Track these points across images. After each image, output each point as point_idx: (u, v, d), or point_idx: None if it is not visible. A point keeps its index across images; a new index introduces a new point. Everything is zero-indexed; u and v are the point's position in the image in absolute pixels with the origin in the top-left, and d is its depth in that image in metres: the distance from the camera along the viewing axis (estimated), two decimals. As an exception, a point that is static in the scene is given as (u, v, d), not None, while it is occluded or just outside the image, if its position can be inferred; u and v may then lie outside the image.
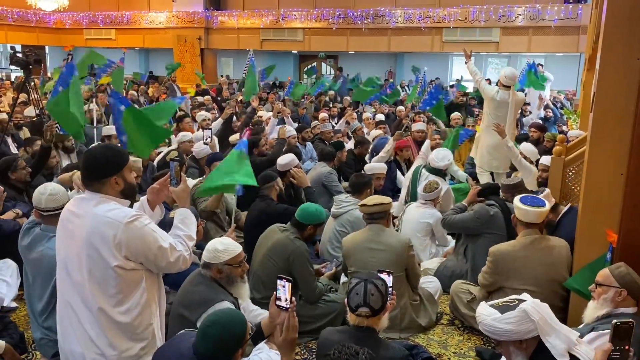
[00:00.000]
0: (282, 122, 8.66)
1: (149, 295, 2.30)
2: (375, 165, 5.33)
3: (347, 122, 8.80)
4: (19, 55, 7.41)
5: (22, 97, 8.91)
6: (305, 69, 18.65)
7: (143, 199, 2.52)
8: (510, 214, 4.00)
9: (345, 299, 2.39)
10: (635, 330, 1.92)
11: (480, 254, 3.98)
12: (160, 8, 18.81)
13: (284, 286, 2.18)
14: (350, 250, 3.60)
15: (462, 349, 3.50)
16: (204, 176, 5.16)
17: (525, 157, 5.46)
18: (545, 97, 11.16)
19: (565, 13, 13.59)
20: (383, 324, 2.38)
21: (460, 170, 6.86)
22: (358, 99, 11.18)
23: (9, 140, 7.13)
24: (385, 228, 3.62)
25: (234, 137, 6.62)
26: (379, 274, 2.48)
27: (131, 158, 4.83)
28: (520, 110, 8.73)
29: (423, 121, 7.86)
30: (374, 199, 3.71)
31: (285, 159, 5.12)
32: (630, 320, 1.92)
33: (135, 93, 12.08)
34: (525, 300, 2.15)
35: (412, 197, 5.40)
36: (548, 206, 3.48)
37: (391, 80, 16.71)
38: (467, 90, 12.72)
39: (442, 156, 5.42)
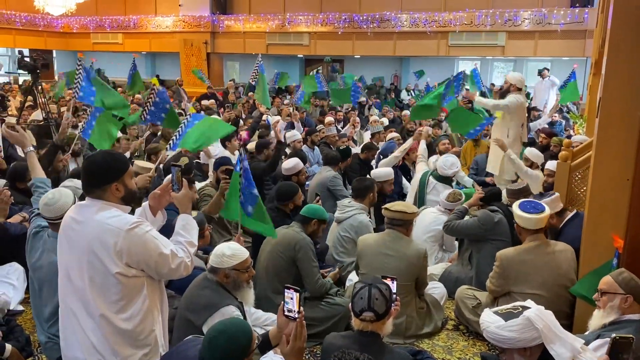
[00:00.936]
0: (290, 126, 8.68)
1: (151, 301, 2.30)
2: (380, 172, 5.22)
3: (353, 126, 8.80)
4: (27, 59, 7.46)
5: (30, 100, 8.98)
6: (310, 73, 18.57)
7: (145, 204, 2.52)
8: (514, 219, 3.99)
9: (350, 304, 2.38)
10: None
11: (484, 260, 3.98)
12: (166, 12, 18.89)
13: (291, 297, 2.18)
14: (365, 251, 3.64)
15: (467, 354, 3.49)
16: (209, 180, 5.17)
17: (527, 159, 5.46)
18: (550, 102, 11.14)
19: (572, 17, 13.54)
20: (387, 329, 2.38)
21: (466, 175, 6.85)
22: (337, 103, 11.02)
23: (28, 136, 7.18)
24: (403, 236, 3.63)
25: (250, 145, 6.61)
26: (383, 279, 2.48)
27: (142, 163, 4.89)
28: (528, 115, 8.70)
29: (429, 125, 7.86)
30: (398, 205, 3.71)
31: (290, 163, 5.12)
32: (631, 336, 1.90)
33: (140, 97, 12.13)
34: (529, 308, 2.14)
35: (420, 204, 5.40)
36: (548, 211, 3.47)
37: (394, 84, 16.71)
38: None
39: (450, 164, 5.44)
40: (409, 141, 6.12)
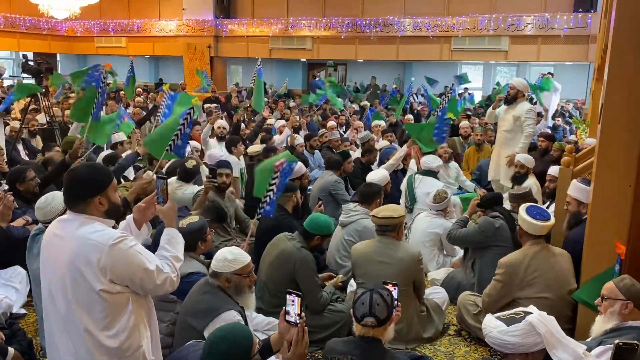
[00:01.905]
0: (294, 131, 8.69)
1: (137, 317, 2.24)
2: (376, 177, 5.09)
3: (356, 130, 8.81)
4: (31, 63, 7.50)
5: (34, 104, 9.01)
6: (311, 81, 18.52)
7: (129, 217, 2.46)
8: (515, 224, 3.99)
9: (351, 309, 2.38)
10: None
11: (487, 267, 3.98)
12: (170, 16, 18.98)
13: (293, 301, 2.17)
14: (359, 261, 3.60)
15: (468, 360, 3.48)
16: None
17: (522, 166, 5.47)
18: (552, 108, 11.11)
19: (575, 22, 13.54)
20: (389, 334, 2.37)
21: (468, 180, 6.85)
22: (305, 102, 11.16)
23: (20, 147, 7.21)
24: (395, 241, 3.60)
25: (252, 149, 6.61)
26: (384, 285, 2.48)
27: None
28: None
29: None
30: (384, 211, 3.66)
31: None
32: (635, 342, 1.90)
33: (141, 100, 12.17)
34: (531, 313, 2.14)
35: (411, 200, 5.45)
36: (553, 219, 3.52)
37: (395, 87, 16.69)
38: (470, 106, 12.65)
39: (432, 158, 5.72)
40: (403, 149, 6.13)
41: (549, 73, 12.67)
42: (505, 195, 4.94)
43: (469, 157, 7.72)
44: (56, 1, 14.01)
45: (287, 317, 2.20)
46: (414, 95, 16.44)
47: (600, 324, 2.55)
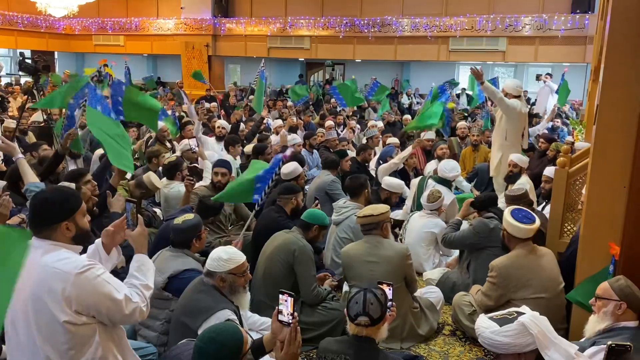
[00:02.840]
0: (292, 130, 8.70)
1: (105, 349, 2.14)
2: (393, 182, 5.06)
3: (352, 130, 8.82)
4: (28, 61, 7.48)
5: (30, 102, 8.98)
6: (295, 83, 18.49)
7: (98, 241, 2.38)
8: None
9: (345, 309, 2.39)
10: (636, 345, 1.91)
11: (482, 268, 4.01)
12: (168, 15, 18.95)
13: (286, 301, 2.17)
14: (349, 263, 3.62)
15: (463, 360, 3.49)
16: (208, 182, 5.18)
17: (516, 166, 5.50)
18: (549, 108, 11.16)
19: (572, 23, 13.57)
20: (382, 334, 2.38)
21: (465, 180, 6.86)
22: (294, 98, 11.18)
23: (15, 145, 7.18)
24: (381, 239, 3.61)
25: (249, 148, 6.62)
26: (379, 285, 2.48)
27: (153, 178, 4.86)
28: (529, 121, 8.75)
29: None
30: (365, 210, 3.70)
31: (289, 168, 5.13)
32: (628, 344, 1.91)
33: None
34: (524, 313, 2.15)
35: (418, 207, 5.42)
36: (538, 222, 3.53)
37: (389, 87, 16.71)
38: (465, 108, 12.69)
39: (451, 167, 5.54)
40: (409, 149, 6.13)
41: (548, 74, 12.69)
42: (502, 197, 4.96)
43: (466, 157, 7.74)
44: (54, -1, 13.99)
45: (280, 317, 2.20)
46: (412, 96, 16.48)
47: (594, 324, 2.56)
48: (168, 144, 7.14)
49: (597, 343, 2.47)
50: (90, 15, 19.78)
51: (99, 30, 20.08)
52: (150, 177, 4.86)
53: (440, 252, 4.77)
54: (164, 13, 19.21)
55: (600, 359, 2.27)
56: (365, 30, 16.08)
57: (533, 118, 10.55)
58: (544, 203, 5.08)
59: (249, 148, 6.65)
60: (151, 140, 7.37)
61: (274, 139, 7.78)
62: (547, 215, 4.38)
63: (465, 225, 5.52)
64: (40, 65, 7.44)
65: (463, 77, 19.14)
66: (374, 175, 6.27)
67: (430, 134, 7.33)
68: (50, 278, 2.02)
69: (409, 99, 16.31)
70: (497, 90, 5.95)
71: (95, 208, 3.75)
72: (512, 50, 14.60)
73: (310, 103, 12.05)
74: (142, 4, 19.52)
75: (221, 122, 8.04)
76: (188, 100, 8.65)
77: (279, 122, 8.86)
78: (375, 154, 7.23)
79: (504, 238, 3.62)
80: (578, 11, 13.64)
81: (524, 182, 5.16)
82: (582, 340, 2.64)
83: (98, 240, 2.39)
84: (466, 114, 11.53)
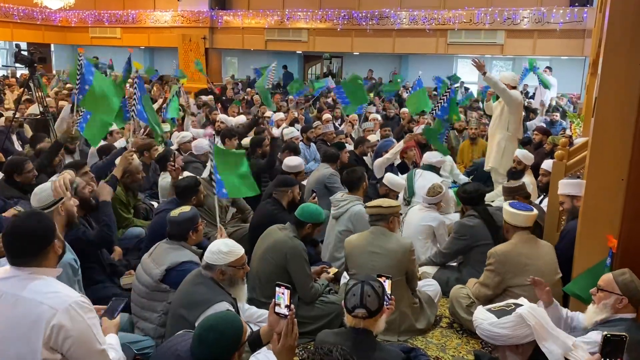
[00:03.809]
0: (290, 123, 8.68)
1: None
2: (395, 181, 4.92)
3: (352, 124, 8.79)
4: (24, 53, 7.43)
5: (27, 94, 8.96)
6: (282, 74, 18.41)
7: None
8: (493, 220, 4.02)
9: (343, 301, 2.39)
10: (635, 336, 1.91)
11: (472, 267, 4.11)
12: (165, 7, 18.86)
13: (283, 293, 2.17)
14: (352, 252, 3.63)
15: (460, 352, 3.50)
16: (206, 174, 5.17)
17: (519, 162, 5.50)
18: (546, 102, 11.14)
19: (571, 16, 13.55)
20: (380, 326, 2.38)
21: (462, 173, 6.87)
22: (292, 91, 11.29)
23: (14, 137, 7.16)
24: (387, 231, 3.62)
25: (245, 141, 6.62)
26: (377, 278, 2.48)
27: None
28: (525, 114, 8.79)
29: (428, 123, 7.84)
30: (375, 202, 3.73)
31: (294, 161, 5.14)
32: (624, 334, 1.91)
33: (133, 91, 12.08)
34: (522, 305, 2.15)
35: (410, 194, 5.48)
36: (536, 211, 3.57)
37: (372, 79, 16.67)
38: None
39: (434, 154, 5.89)
40: (400, 144, 6.15)
41: (547, 67, 12.67)
42: (499, 190, 4.96)
43: (463, 151, 7.73)
44: (50, -9, 13.90)
45: (277, 309, 2.20)
46: (411, 90, 16.44)
47: (592, 314, 2.57)
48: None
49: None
50: (87, 8, 19.69)
51: (96, 22, 19.99)
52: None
53: (438, 245, 4.76)
54: (160, 5, 19.12)
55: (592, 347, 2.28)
56: (364, 23, 16.04)
57: (530, 112, 10.56)
58: (542, 196, 5.08)
59: (246, 141, 6.63)
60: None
61: (275, 131, 7.75)
62: (545, 209, 4.38)
63: (455, 217, 5.56)
64: (36, 57, 7.37)
65: (461, 70, 19.13)
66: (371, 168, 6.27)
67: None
68: (34, 312, 1.93)
69: (407, 93, 16.26)
70: (499, 81, 5.97)
71: (92, 200, 3.75)
72: (510, 44, 14.59)
73: (312, 97, 12.00)
74: (139, -4, 19.44)
75: (221, 117, 8.03)
76: (185, 94, 8.64)
77: (280, 115, 8.82)
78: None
79: (505, 231, 3.64)
80: (577, 4, 13.62)
81: (528, 183, 5.15)
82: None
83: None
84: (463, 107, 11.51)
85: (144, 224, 4.73)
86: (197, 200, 4.17)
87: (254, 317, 3.29)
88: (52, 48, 21.17)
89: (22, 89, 7.62)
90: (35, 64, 7.30)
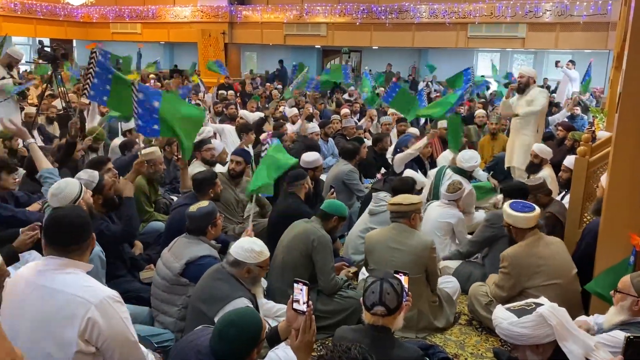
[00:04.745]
0: (308, 118, 8.68)
1: None
2: (417, 179, 4.81)
3: (371, 119, 8.76)
4: (47, 49, 7.54)
5: (49, 90, 9.08)
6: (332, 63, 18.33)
7: None
8: None
9: (361, 298, 2.38)
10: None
11: (496, 258, 3.97)
12: (185, 2, 18.97)
13: (301, 289, 2.18)
14: (372, 247, 3.64)
15: (479, 349, 3.47)
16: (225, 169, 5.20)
17: (536, 156, 5.43)
18: (568, 95, 10.97)
19: (595, 9, 13.29)
20: (398, 323, 2.37)
21: (481, 169, 6.79)
22: (324, 88, 11.15)
23: (35, 133, 7.27)
24: (408, 228, 3.61)
25: (264, 136, 6.63)
26: (395, 274, 2.48)
27: (148, 149, 4.94)
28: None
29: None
30: (396, 198, 3.74)
31: (311, 157, 5.14)
32: None
33: (160, 85, 12.20)
34: (542, 304, 2.12)
35: (435, 196, 5.37)
36: (537, 210, 3.51)
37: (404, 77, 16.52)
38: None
39: (469, 157, 5.41)
40: (424, 140, 6.03)
41: (570, 61, 12.45)
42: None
43: (484, 146, 7.64)
44: (72, -13, 14.07)
45: (295, 305, 2.21)
46: (429, 83, 16.32)
47: (612, 316, 2.53)
48: None
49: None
50: (108, 3, 19.90)
51: (116, 18, 20.19)
52: (144, 152, 4.94)
53: (457, 242, 4.73)
54: (180, 0, 19.23)
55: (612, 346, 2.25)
56: (383, 17, 15.95)
57: (552, 107, 10.39)
58: (563, 192, 5.01)
59: (264, 136, 6.65)
60: None
61: (289, 127, 7.76)
62: (567, 205, 4.32)
63: (481, 215, 5.50)
64: (59, 53, 7.48)
65: (481, 64, 18.93)
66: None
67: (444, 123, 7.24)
68: (70, 305, 1.96)
69: (427, 87, 16.15)
70: (529, 111, 5.90)
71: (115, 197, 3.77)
72: (532, 37, 14.37)
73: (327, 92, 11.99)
74: (159, -9, 19.58)
75: (242, 112, 8.06)
76: (205, 89, 8.68)
77: (295, 110, 8.82)
78: (391, 143, 7.18)
79: (511, 233, 3.59)
80: (601, -4, 13.36)
81: (547, 175, 5.08)
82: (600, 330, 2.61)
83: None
84: (484, 101, 11.39)
85: (164, 219, 4.78)
86: (214, 193, 4.20)
87: (272, 311, 3.31)
88: (74, 44, 21.45)
89: (45, 84, 7.73)
90: (58, 60, 7.40)
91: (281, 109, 9.20)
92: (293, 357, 2.18)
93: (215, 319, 2.58)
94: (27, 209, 4.10)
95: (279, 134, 6.36)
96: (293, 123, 8.22)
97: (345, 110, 8.81)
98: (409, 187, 4.43)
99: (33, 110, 7.49)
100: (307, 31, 17.39)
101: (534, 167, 5.50)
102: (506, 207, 3.57)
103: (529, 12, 14.09)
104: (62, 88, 7.92)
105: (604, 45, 13.32)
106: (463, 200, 5.00)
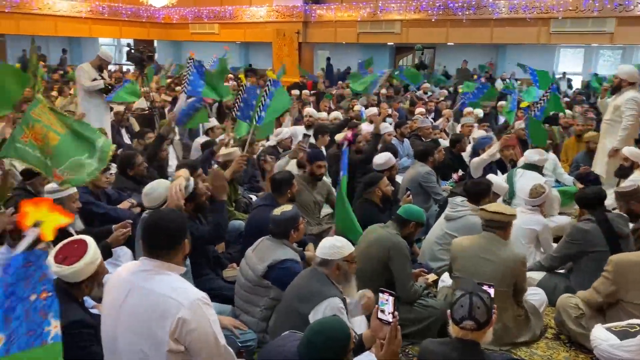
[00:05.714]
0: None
1: None
2: (499, 185, 4.70)
3: (447, 119, 8.55)
4: (134, 52, 7.92)
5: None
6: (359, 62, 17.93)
7: None
8: (611, 227, 3.73)
9: (449, 311, 2.32)
10: None
11: (583, 274, 3.83)
12: (260, 3, 19.31)
13: (387, 300, 2.16)
14: (459, 254, 3.52)
15: (568, 366, 3.31)
16: (302, 171, 5.24)
17: (627, 159, 5.18)
18: None
19: (694, 0, 12.33)
20: (487, 337, 2.30)
21: (566, 173, 6.48)
22: (356, 89, 10.79)
23: (123, 131, 7.66)
24: (500, 239, 3.46)
25: (338, 137, 6.63)
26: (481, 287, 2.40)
27: (228, 149, 5.11)
28: None
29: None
30: (496, 206, 3.56)
31: (382, 158, 5.08)
32: None
33: (235, 83, 12.48)
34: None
35: (510, 194, 5.21)
36: None
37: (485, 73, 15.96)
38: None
39: (535, 151, 5.49)
40: (496, 145, 5.79)
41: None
42: (610, 193, 4.60)
43: (569, 148, 7.29)
44: (155, -10, 14.70)
45: (380, 315, 2.19)
46: (507, 81, 15.75)
47: None
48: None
49: None
50: (187, 5, 20.59)
51: (195, 19, 20.87)
52: (223, 152, 5.25)
53: (542, 250, 4.53)
54: (256, 1, 19.60)
55: None
56: (460, 13, 15.53)
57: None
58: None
59: (339, 136, 6.63)
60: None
61: (364, 127, 7.69)
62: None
63: (566, 219, 5.25)
64: (146, 55, 7.85)
65: (563, 61, 18.08)
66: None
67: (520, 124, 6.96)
68: (163, 304, 2.03)
69: (503, 84, 15.60)
70: (625, 126, 5.61)
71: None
72: (621, 32, 13.50)
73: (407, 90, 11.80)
74: (236, -8, 20.04)
75: (308, 110, 7.99)
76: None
77: (374, 110, 8.70)
78: (469, 143, 6.97)
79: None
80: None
81: (638, 178, 4.77)
82: None
83: None
84: (567, 99, 10.85)
85: (244, 217, 4.88)
86: (292, 194, 4.24)
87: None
88: (155, 44, 22.39)
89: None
90: (145, 62, 7.76)
91: (356, 107, 9.15)
92: (378, 366, 2.17)
93: (310, 316, 2.61)
94: (117, 206, 4.33)
95: (354, 135, 6.31)
96: (371, 122, 8.13)
97: (420, 109, 8.63)
98: (483, 190, 4.29)
99: (122, 109, 7.88)
100: (380, 29, 17.22)
101: (624, 171, 5.17)
102: None
103: (618, 6, 13.26)
104: (145, 88, 8.30)
105: None
106: (545, 204, 4.78)
